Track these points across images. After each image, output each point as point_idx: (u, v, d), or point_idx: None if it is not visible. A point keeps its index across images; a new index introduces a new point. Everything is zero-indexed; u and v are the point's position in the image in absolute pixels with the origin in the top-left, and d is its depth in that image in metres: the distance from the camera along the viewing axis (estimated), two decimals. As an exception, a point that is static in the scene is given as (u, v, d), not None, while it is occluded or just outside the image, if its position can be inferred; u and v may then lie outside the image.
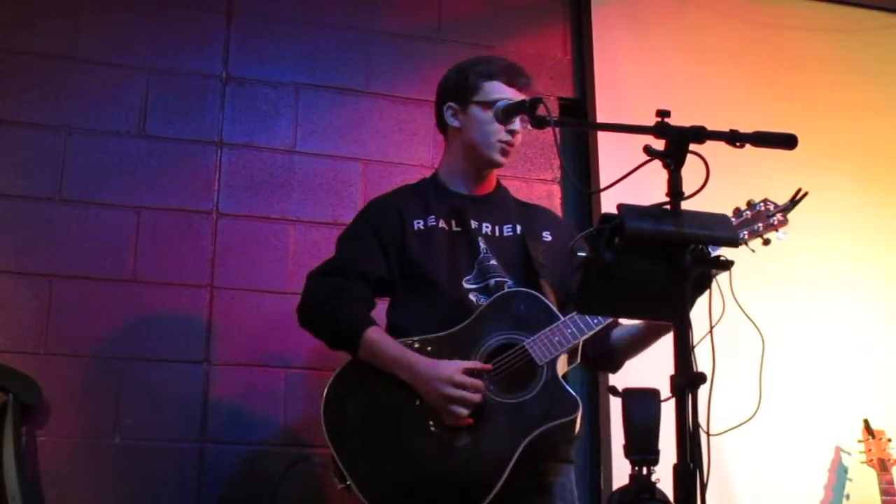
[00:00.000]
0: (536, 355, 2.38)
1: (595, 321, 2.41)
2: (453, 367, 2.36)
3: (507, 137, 2.59)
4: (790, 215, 2.34)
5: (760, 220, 2.33)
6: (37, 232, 3.18)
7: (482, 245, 2.58)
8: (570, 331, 2.39)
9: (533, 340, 2.40)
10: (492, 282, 2.52)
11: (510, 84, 2.59)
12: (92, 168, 3.28)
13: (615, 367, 2.65)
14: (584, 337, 2.41)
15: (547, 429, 2.32)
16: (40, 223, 3.19)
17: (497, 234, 2.63)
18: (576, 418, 2.34)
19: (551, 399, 2.35)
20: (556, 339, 2.39)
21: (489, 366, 2.39)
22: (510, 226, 2.65)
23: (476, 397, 2.33)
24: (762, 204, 2.35)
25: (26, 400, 2.97)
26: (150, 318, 3.22)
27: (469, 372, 2.36)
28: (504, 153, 2.61)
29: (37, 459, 2.99)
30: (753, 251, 2.31)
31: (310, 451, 3.17)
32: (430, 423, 2.37)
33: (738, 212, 2.35)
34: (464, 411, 2.33)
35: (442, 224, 2.61)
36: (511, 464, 2.29)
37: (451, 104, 2.67)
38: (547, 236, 2.67)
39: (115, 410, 3.11)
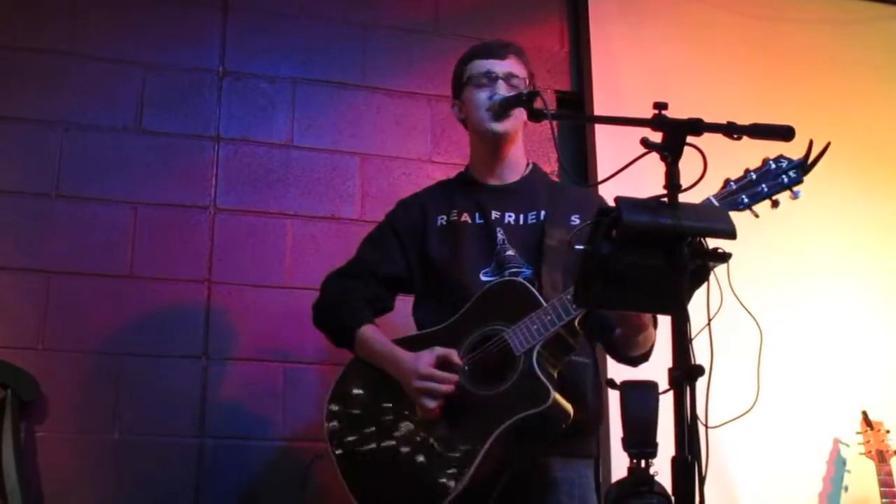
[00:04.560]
0: (514, 345, 2.34)
1: (574, 308, 2.30)
2: (425, 360, 2.38)
3: (488, 103, 2.56)
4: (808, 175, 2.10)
5: (767, 180, 2.11)
6: (34, 228, 3.18)
7: (500, 236, 2.57)
8: (548, 318, 2.31)
9: (513, 330, 2.36)
10: (507, 273, 2.51)
11: (486, 57, 2.62)
12: (89, 164, 3.27)
13: (627, 361, 2.59)
14: (563, 324, 2.31)
15: (518, 419, 2.27)
16: (37, 219, 3.19)
17: (521, 222, 2.61)
18: (549, 407, 2.26)
19: (524, 389, 2.30)
20: (535, 327, 2.32)
21: (461, 361, 2.38)
22: (535, 213, 2.62)
23: (445, 388, 2.34)
24: (773, 162, 2.11)
25: (25, 396, 2.97)
26: (149, 313, 3.22)
27: (444, 363, 2.37)
28: (495, 116, 2.56)
29: (35, 455, 2.99)
30: (757, 216, 2.13)
31: (309, 445, 3.17)
32: (414, 416, 2.41)
33: (746, 172, 2.15)
34: (431, 403, 2.34)
35: (465, 218, 2.62)
36: (481, 455, 2.27)
37: (455, 100, 2.73)
38: (575, 220, 2.59)
39: (114, 406, 3.11)
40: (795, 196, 2.08)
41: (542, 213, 2.61)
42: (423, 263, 2.61)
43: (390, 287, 2.66)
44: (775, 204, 2.10)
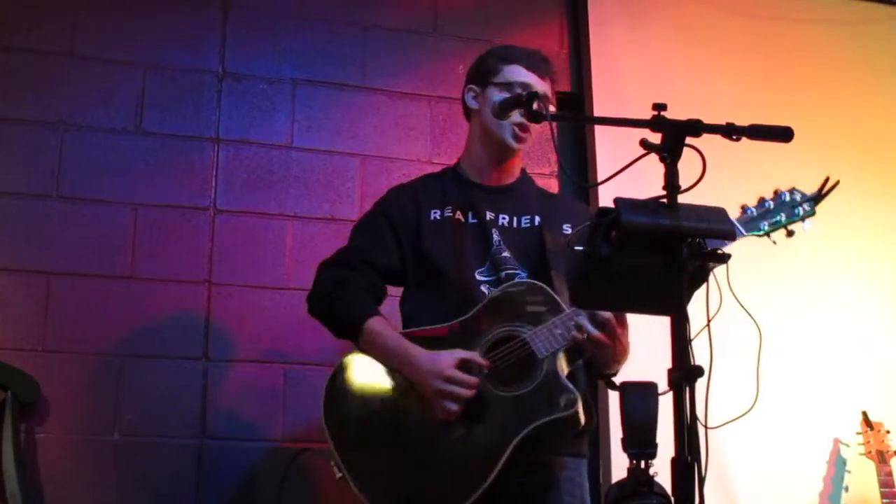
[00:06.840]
0: (537, 348, 2.34)
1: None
2: (447, 361, 2.34)
3: (521, 119, 2.54)
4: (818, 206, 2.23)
5: (784, 210, 2.22)
6: (34, 229, 3.18)
7: (496, 237, 2.56)
8: (572, 323, 2.32)
9: (535, 333, 2.35)
10: (503, 274, 2.50)
11: (530, 68, 2.58)
12: (89, 165, 3.28)
13: (602, 377, 2.58)
14: None
15: (543, 423, 2.29)
16: (37, 220, 3.19)
17: (514, 225, 2.60)
18: (573, 413, 2.30)
19: (549, 393, 2.31)
20: (559, 331, 2.33)
21: (486, 362, 2.36)
22: (528, 217, 2.61)
23: (467, 392, 2.31)
24: (788, 193, 2.23)
25: (25, 397, 2.97)
26: (149, 314, 3.22)
27: (465, 365, 2.35)
28: (517, 138, 2.58)
29: (36, 457, 3.00)
30: (775, 243, 2.22)
31: (310, 446, 3.16)
32: (427, 415, 2.36)
33: (761, 201, 2.25)
34: (453, 406, 2.31)
35: (458, 215, 2.59)
36: (504, 457, 2.26)
37: (473, 86, 2.67)
38: (567, 228, 2.61)
39: (114, 407, 3.11)
40: (806, 228, 2.22)
41: (537, 218, 2.61)
42: (416, 257, 2.57)
43: (385, 277, 2.60)
44: (790, 234, 2.21)
